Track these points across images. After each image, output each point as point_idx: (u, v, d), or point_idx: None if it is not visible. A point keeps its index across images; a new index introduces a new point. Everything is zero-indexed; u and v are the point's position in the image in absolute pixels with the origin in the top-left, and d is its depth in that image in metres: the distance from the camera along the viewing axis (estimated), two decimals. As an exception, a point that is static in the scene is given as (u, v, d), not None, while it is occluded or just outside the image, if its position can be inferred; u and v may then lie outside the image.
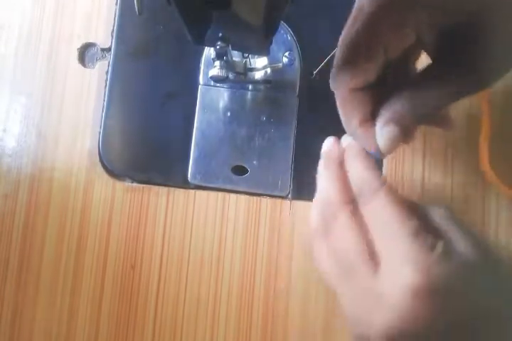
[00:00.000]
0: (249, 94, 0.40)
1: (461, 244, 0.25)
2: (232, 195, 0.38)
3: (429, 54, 0.28)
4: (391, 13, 0.24)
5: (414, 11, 0.24)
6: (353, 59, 0.26)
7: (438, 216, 0.27)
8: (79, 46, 0.40)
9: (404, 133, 0.27)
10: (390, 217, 0.25)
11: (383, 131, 0.27)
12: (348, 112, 0.28)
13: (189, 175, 0.39)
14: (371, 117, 0.28)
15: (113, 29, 0.41)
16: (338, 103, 0.29)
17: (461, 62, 0.25)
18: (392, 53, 0.26)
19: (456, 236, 0.25)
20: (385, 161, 0.38)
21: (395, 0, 0.24)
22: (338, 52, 0.27)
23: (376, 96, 0.28)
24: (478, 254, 0.24)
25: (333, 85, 0.28)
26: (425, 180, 0.38)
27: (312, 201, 0.38)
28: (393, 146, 0.28)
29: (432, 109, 0.27)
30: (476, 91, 0.26)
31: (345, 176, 0.28)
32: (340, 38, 0.27)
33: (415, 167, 0.38)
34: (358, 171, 0.28)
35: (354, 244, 0.26)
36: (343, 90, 0.28)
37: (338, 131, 0.38)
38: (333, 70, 0.28)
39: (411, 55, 0.29)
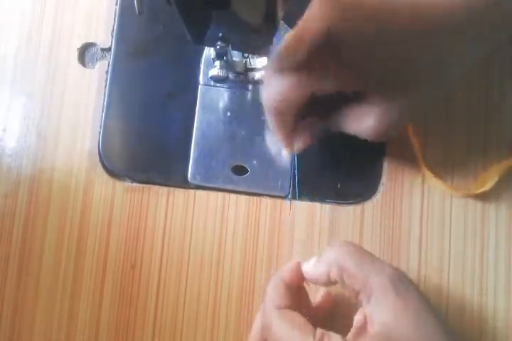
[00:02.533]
0: (249, 94, 0.40)
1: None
2: (232, 195, 0.38)
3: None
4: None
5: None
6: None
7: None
8: (79, 46, 0.40)
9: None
10: None
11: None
12: (275, 129, 0.34)
13: (189, 175, 0.39)
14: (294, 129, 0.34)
15: (113, 29, 0.41)
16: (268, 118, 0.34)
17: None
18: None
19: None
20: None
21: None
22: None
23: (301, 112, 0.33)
24: None
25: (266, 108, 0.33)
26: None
27: (312, 201, 0.38)
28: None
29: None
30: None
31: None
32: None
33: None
34: None
35: None
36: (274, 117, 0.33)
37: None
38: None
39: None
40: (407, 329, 0.27)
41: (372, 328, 0.28)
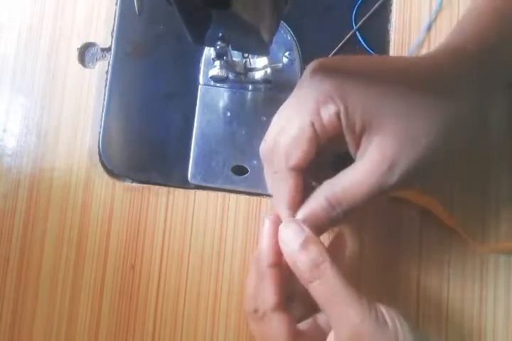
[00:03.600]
0: (249, 94, 0.40)
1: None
2: (232, 195, 0.38)
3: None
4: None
5: None
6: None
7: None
8: (79, 46, 0.40)
9: (319, 231, 0.29)
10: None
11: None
12: (277, 197, 0.30)
13: (189, 175, 0.39)
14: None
15: (113, 29, 0.41)
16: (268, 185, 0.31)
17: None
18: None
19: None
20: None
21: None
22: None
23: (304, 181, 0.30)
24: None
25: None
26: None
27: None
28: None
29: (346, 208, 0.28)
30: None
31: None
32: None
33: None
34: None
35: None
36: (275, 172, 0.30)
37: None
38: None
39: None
40: None
41: None
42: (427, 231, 0.37)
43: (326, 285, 0.27)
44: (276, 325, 0.28)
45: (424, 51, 0.39)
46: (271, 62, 0.39)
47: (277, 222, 0.30)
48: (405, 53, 0.39)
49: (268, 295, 0.28)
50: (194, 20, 0.28)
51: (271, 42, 0.32)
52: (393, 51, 0.39)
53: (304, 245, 0.27)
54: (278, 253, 0.29)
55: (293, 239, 0.28)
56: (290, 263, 0.28)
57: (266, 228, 0.30)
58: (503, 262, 0.36)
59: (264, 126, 0.39)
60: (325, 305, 0.27)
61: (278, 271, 0.29)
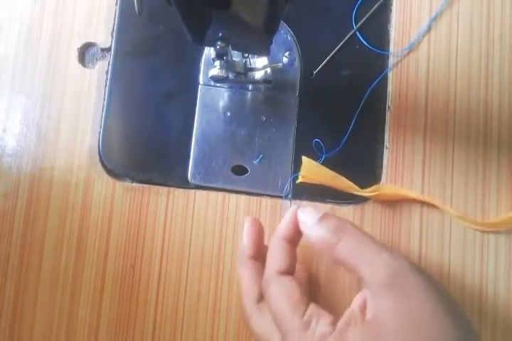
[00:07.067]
0: (249, 94, 0.40)
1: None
2: (232, 195, 0.38)
3: None
4: None
5: None
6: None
7: None
8: (79, 46, 0.40)
9: None
10: None
11: None
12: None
13: (189, 175, 0.39)
14: None
15: (113, 29, 0.41)
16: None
17: None
18: None
19: None
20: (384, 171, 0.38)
21: None
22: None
23: None
24: None
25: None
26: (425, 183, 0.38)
27: (312, 200, 0.38)
28: None
29: None
30: None
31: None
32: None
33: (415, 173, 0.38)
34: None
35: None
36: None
37: (338, 131, 0.38)
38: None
39: None
40: (407, 337, 0.25)
41: (367, 320, 0.26)
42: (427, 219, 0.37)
43: (353, 240, 0.28)
44: (288, 283, 0.29)
45: (423, 51, 0.39)
46: (271, 62, 0.39)
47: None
48: (405, 52, 0.39)
49: (278, 260, 0.30)
50: (194, 20, 0.28)
51: (271, 42, 0.32)
52: (393, 50, 0.39)
53: (323, 218, 0.30)
54: (294, 231, 0.31)
55: (311, 216, 0.30)
56: (310, 237, 0.30)
57: (290, 210, 0.32)
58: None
59: (265, 126, 0.39)
60: (356, 258, 0.28)
61: (291, 245, 0.31)
